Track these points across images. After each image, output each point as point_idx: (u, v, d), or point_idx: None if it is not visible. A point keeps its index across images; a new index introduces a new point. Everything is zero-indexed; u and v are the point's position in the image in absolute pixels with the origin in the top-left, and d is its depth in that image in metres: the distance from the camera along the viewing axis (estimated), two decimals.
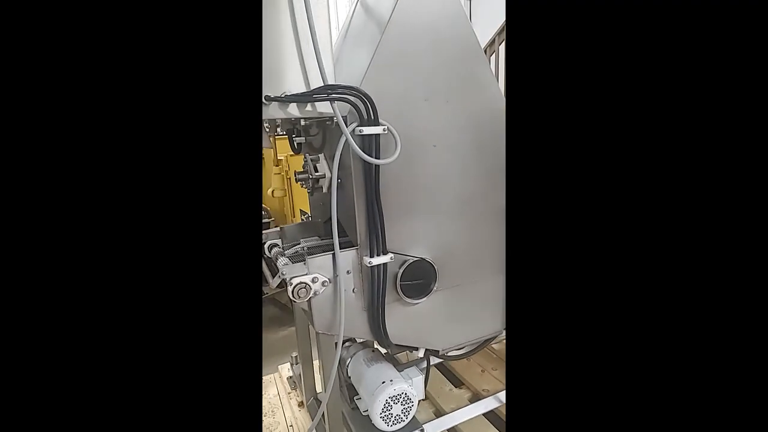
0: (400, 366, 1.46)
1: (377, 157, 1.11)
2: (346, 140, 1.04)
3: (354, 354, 1.51)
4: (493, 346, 2.16)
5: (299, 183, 1.30)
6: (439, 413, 1.73)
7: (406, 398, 1.30)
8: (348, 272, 1.19)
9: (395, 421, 1.30)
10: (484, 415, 1.68)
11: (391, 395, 1.28)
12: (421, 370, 1.48)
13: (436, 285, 1.30)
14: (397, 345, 1.32)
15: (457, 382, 1.94)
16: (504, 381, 1.90)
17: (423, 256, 1.27)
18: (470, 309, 1.42)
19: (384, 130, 1.10)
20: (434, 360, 1.71)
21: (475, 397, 1.83)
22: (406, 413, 1.31)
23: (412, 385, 1.33)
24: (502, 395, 1.72)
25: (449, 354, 1.47)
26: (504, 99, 1.32)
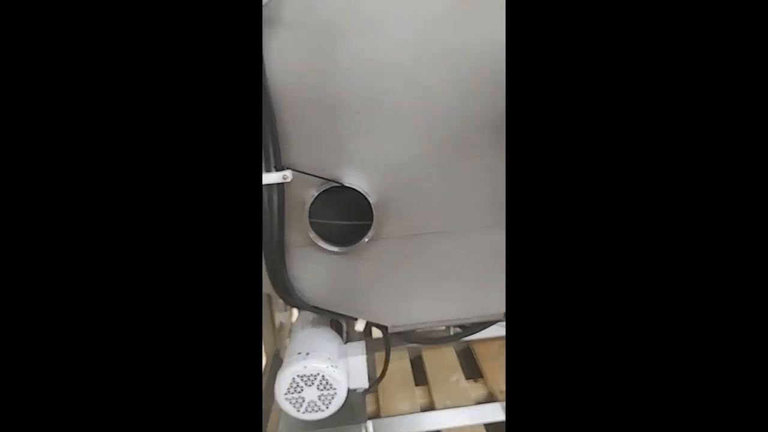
0: (351, 338, 1.08)
1: None
2: None
3: None
4: None
5: None
6: (431, 407, 1.31)
7: (323, 382, 0.92)
8: None
9: (308, 408, 0.94)
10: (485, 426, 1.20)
11: (300, 374, 0.92)
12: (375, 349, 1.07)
13: (373, 230, 0.86)
14: (316, 308, 0.93)
15: (475, 372, 1.46)
16: None
17: (351, 183, 0.83)
18: (443, 273, 0.94)
19: None
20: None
21: (488, 399, 1.35)
22: (325, 402, 0.94)
23: (339, 365, 0.94)
24: None
25: (409, 333, 1.02)
26: None
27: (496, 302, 0.98)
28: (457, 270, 0.94)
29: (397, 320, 0.96)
